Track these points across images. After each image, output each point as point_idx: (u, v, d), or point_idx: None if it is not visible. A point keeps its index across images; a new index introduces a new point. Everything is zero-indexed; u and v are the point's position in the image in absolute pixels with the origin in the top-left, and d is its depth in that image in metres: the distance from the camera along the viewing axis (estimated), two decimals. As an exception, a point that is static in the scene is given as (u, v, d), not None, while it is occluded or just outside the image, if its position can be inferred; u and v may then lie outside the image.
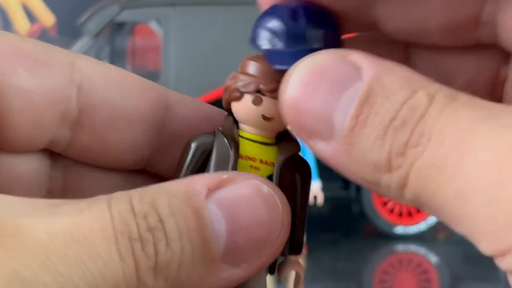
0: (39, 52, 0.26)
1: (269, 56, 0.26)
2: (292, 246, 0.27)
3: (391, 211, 1.36)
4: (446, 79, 0.23)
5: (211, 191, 0.23)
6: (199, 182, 0.23)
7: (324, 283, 1.09)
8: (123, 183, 0.28)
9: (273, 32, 0.26)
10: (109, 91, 0.26)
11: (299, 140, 0.26)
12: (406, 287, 1.14)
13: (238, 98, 0.26)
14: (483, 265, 1.01)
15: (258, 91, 0.25)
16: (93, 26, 1.52)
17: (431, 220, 1.38)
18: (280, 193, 0.25)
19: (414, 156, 0.22)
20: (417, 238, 1.34)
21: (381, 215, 1.35)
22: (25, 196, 0.25)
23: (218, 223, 0.22)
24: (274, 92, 0.25)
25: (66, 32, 2.14)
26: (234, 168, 0.26)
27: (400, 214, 1.36)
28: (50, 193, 0.27)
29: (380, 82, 0.22)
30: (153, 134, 0.27)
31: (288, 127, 0.26)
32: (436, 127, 0.21)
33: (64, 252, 0.20)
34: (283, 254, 0.27)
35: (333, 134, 0.23)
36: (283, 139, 0.27)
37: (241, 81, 0.26)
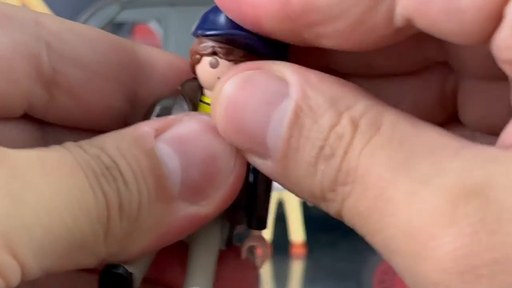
0: (1, 8, 0.25)
1: (200, 27, 0.27)
2: (255, 222, 0.27)
3: (391, 211, 1.36)
4: (391, 104, 0.23)
5: (159, 131, 0.23)
6: (147, 125, 0.23)
7: (324, 283, 1.09)
8: None
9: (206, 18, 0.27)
10: (79, 48, 0.26)
11: None
12: None
13: (198, 61, 0.27)
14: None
15: (214, 53, 0.26)
16: (92, 25, 1.51)
17: (431, 220, 1.38)
18: None
19: (343, 195, 0.22)
20: (417, 238, 1.34)
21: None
22: None
23: (171, 160, 0.23)
24: (229, 55, 0.26)
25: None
26: None
27: (400, 214, 1.35)
28: None
29: (306, 101, 0.22)
30: (127, 90, 0.28)
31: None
32: (359, 169, 0.21)
33: (44, 177, 0.20)
34: (241, 222, 0.27)
35: (269, 153, 0.23)
36: None
37: (201, 44, 0.27)
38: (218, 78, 0.26)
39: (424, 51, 0.26)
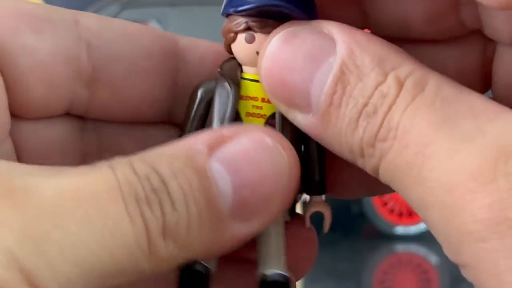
0: (41, 11, 0.25)
1: (229, 5, 0.27)
2: (313, 187, 0.27)
3: (391, 211, 1.36)
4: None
5: (212, 149, 0.23)
6: (200, 141, 0.23)
7: (324, 283, 1.09)
8: (154, 138, 0.27)
9: None
10: (118, 44, 0.26)
11: None
12: (406, 288, 1.14)
13: (233, 39, 0.26)
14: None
15: (249, 28, 0.26)
16: (93, 26, 1.51)
17: (431, 220, 1.38)
18: (286, 142, 0.24)
19: (382, 150, 0.22)
20: (417, 238, 1.34)
21: (381, 215, 1.35)
22: (59, 163, 0.25)
23: (223, 180, 0.22)
24: (264, 28, 0.26)
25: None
26: (234, 108, 0.26)
27: (400, 214, 1.35)
28: (85, 157, 0.26)
29: (353, 59, 0.22)
30: (169, 82, 0.27)
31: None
32: (401, 125, 0.21)
33: (73, 211, 0.20)
34: (300, 192, 0.27)
35: (311, 108, 0.23)
36: None
37: (233, 22, 0.26)
38: (257, 52, 0.26)
39: (458, 16, 0.26)
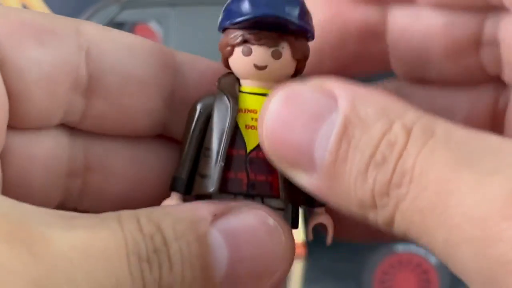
0: (44, 22, 0.26)
1: (225, 19, 0.27)
2: (313, 199, 0.28)
3: (391, 211, 1.36)
4: (444, 116, 0.23)
5: (216, 217, 0.23)
6: (205, 208, 0.24)
7: (324, 283, 1.09)
8: (146, 153, 0.28)
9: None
10: (117, 55, 0.26)
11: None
12: (406, 288, 1.14)
13: (231, 53, 0.27)
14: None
15: (246, 41, 0.26)
16: (93, 26, 1.51)
17: (431, 220, 1.38)
18: (286, 226, 0.25)
19: (398, 197, 0.22)
20: (417, 238, 1.34)
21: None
22: (43, 178, 0.25)
23: (220, 251, 0.23)
24: (261, 40, 0.26)
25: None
26: (233, 121, 0.26)
27: (400, 214, 1.35)
28: (71, 175, 0.27)
29: (356, 112, 0.22)
30: (165, 95, 0.28)
31: (269, 151, 0.26)
32: (417, 168, 0.21)
33: (84, 266, 0.21)
34: (301, 203, 0.27)
35: (315, 167, 0.23)
36: None
37: (230, 35, 0.27)
38: (254, 65, 0.26)
39: (478, 58, 0.26)
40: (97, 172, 0.27)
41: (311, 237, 0.29)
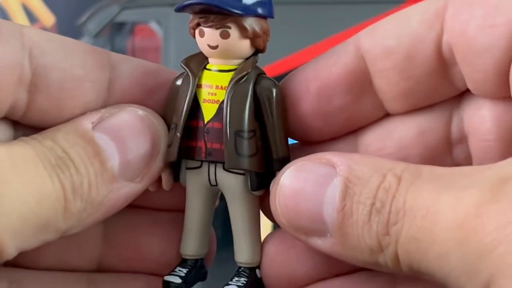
0: None
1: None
2: (276, 165, 0.31)
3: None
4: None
5: (95, 123, 0.28)
6: (84, 118, 0.28)
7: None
8: None
9: None
10: (56, 53, 0.30)
11: (256, 64, 0.31)
12: None
13: (193, 34, 0.30)
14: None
15: (199, 24, 0.29)
16: (93, 26, 1.52)
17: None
18: (154, 114, 0.30)
19: (396, 233, 0.24)
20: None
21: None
22: None
23: (109, 146, 0.27)
24: (207, 23, 0.29)
25: (66, 32, 2.13)
26: (191, 96, 0.30)
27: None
28: None
29: (354, 173, 0.25)
30: (100, 90, 0.31)
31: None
32: (407, 203, 0.24)
33: (12, 173, 0.25)
34: (247, 167, 0.31)
35: (327, 229, 0.25)
36: (243, 64, 0.30)
37: (190, 19, 0.29)
38: (208, 45, 0.28)
39: (454, 160, 0.29)
40: None
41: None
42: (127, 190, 0.28)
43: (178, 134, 0.29)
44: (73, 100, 0.30)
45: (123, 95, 0.31)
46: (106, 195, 0.27)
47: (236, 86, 0.29)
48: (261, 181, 0.31)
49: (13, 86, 0.28)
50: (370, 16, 1.56)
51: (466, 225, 0.22)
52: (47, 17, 2.12)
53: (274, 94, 0.29)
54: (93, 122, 0.28)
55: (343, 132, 0.29)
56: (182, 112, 0.30)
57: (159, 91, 0.31)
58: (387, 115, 0.29)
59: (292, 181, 0.27)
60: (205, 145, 0.30)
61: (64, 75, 0.29)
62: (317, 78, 0.28)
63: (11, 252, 0.25)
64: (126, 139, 0.28)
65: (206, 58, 0.30)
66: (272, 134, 0.30)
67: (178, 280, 0.30)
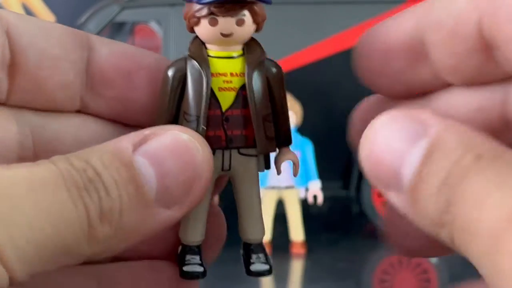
0: None
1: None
2: (281, 140, 0.31)
3: (391, 211, 1.36)
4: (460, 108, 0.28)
5: (136, 146, 0.26)
6: (125, 140, 0.26)
7: (324, 283, 1.09)
8: (67, 128, 0.31)
9: None
10: (33, 33, 0.29)
11: (262, 47, 0.29)
12: (406, 287, 1.14)
13: (197, 23, 0.29)
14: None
15: (211, 13, 0.28)
16: (93, 26, 1.52)
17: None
18: (200, 138, 0.28)
19: (453, 215, 0.24)
20: (417, 238, 1.35)
21: (381, 215, 1.35)
22: None
23: (147, 171, 0.26)
24: (226, 12, 0.28)
25: (66, 32, 2.13)
26: (209, 86, 0.29)
27: (400, 214, 1.36)
28: (22, 150, 0.29)
29: (442, 140, 0.24)
30: (78, 70, 0.30)
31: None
32: (468, 189, 0.23)
33: (27, 195, 0.23)
34: (273, 150, 0.31)
35: (402, 187, 0.25)
36: (249, 49, 0.30)
37: (195, 8, 0.29)
38: (221, 33, 0.28)
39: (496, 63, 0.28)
40: (29, 149, 0.30)
41: (280, 171, 0.32)
42: (164, 217, 0.27)
43: (204, 127, 0.29)
44: (52, 79, 0.29)
45: (101, 75, 0.31)
46: (140, 222, 0.26)
47: (254, 72, 0.29)
48: (268, 160, 0.32)
49: None
50: (370, 16, 1.56)
51: (501, 239, 0.22)
52: (47, 17, 2.12)
53: (281, 76, 0.30)
54: (134, 145, 0.27)
55: (405, 96, 0.29)
56: (201, 103, 0.29)
57: (139, 73, 0.31)
58: (449, 85, 0.29)
59: (382, 131, 0.26)
60: (225, 133, 0.30)
61: (42, 54, 0.29)
62: (378, 41, 0.28)
63: (21, 276, 0.23)
64: (166, 165, 0.26)
65: (202, 46, 0.30)
66: (282, 114, 0.30)
67: (200, 269, 0.30)
